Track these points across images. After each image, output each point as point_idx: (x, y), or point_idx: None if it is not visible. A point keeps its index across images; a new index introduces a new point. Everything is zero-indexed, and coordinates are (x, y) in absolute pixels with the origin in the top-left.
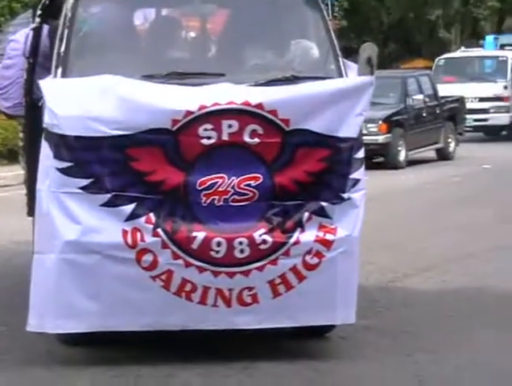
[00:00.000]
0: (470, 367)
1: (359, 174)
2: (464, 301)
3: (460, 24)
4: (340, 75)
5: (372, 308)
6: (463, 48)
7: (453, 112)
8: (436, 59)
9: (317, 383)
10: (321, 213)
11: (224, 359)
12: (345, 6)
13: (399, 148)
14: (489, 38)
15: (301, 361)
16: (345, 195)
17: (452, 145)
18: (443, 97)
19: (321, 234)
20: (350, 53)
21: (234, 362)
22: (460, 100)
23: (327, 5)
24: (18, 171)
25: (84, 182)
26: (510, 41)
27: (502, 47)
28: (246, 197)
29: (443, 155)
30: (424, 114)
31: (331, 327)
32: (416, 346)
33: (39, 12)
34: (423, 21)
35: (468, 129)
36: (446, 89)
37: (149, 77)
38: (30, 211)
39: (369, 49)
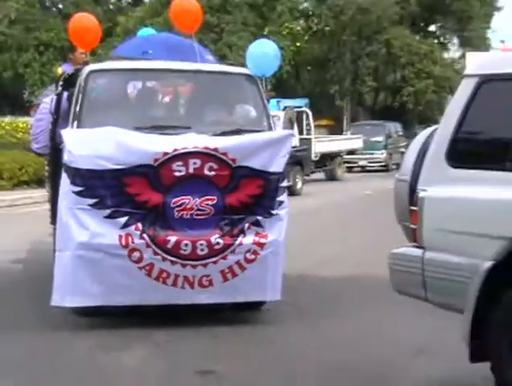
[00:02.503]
0: (351, 330)
1: (283, 197)
2: (353, 286)
3: (350, 96)
4: (271, 129)
5: (290, 289)
6: None
7: (300, 159)
8: None
9: (253, 337)
10: (257, 224)
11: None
12: (273, 82)
13: None
14: (273, 101)
15: (240, 326)
16: (274, 212)
17: (299, 183)
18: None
19: (257, 238)
20: None
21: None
22: (306, 150)
23: (261, 80)
24: (44, 193)
25: (92, 201)
26: (289, 104)
27: (284, 108)
28: (205, 212)
29: (291, 191)
30: None
31: (263, 302)
32: (318, 316)
33: (60, 83)
34: (326, 93)
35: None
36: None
37: (138, 128)
38: (53, 221)
39: (289, 112)
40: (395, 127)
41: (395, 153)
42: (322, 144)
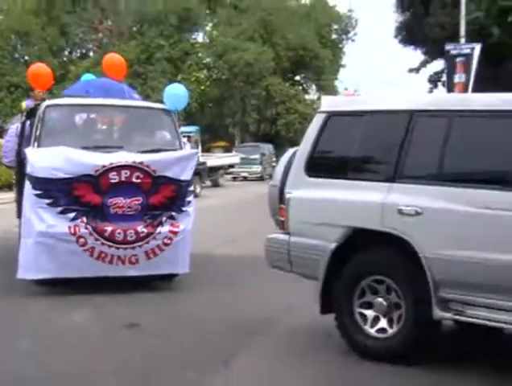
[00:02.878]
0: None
1: (191, 198)
2: (242, 262)
3: (240, 126)
4: (181, 148)
5: (196, 264)
6: None
7: (199, 170)
8: None
9: (169, 299)
10: (172, 218)
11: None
12: (184, 114)
13: None
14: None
15: (161, 292)
16: (184, 209)
17: (199, 188)
18: None
19: (171, 228)
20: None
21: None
22: (203, 163)
23: (175, 113)
24: (12, 195)
25: (48, 201)
26: (182, 130)
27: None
28: (133, 209)
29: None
30: None
31: (176, 274)
32: (216, 284)
33: (24, 114)
34: (223, 123)
35: None
36: None
37: (83, 148)
38: (19, 215)
39: (195, 135)
40: (268, 148)
41: (268, 167)
42: (210, 160)
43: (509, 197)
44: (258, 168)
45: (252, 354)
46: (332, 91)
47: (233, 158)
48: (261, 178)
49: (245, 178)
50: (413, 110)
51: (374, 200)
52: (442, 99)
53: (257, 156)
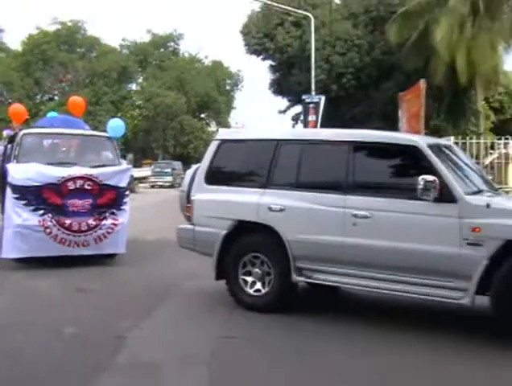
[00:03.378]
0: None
1: (127, 199)
2: (161, 245)
3: (162, 148)
4: (120, 164)
5: (130, 246)
6: None
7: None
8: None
9: (109, 270)
10: (113, 214)
11: (78, 266)
12: (122, 140)
13: None
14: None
15: (103, 264)
16: (122, 207)
17: None
18: None
19: (113, 221)
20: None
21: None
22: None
23: (115, 140)
24: None
25: (24, 202)
26: None
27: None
28: (86, 208)
29: None
30: None
31: (116, 254)
32: (141, 260)
33: (7, 140)
34: (150, 147)
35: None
36: None
37: (49, 164)
38: (2, 212)
39: (130, 156)
40: (178, 164)
41: (177, 178)
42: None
43: (336, 198)
44: (169, 178)
45: (168, 307)
46: (227, 125)
47: (146, 171)
48: (172, 186)
49: (160, 186)
50: (279, 139)
51: (252, 201)
52: (298, 132)
53: (169, 170)
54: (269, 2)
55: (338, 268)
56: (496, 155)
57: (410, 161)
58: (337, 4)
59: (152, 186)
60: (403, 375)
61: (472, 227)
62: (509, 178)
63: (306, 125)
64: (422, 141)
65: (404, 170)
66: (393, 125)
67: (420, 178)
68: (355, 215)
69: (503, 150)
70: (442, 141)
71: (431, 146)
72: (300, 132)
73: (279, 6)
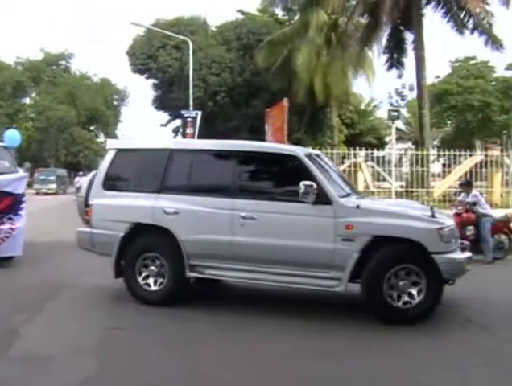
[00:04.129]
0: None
1: (24, 205)
2: (60, 245)
3: (54, 158)
4: (17, 172)
5: (27, 248)
6: None
7: None
8: None
9: (18, 264)
10: (11, 219)
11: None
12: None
13: None
14: None
15: (4, 267)
16: (19, 213)
17: None
18: None
19: (11, 226)
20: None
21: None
22: None
23: (11, 149)
24: None
25: None
26: None
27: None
28: None
29: None
30: None
31: (14, 256)
32: (40, 259)
33: None
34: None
35: None
36: None
37: None
38: None
39: (26, 165)
40: (62, 172)
41: (62, 185)
42: None
43: (225, 201)
44: (53, 186)
45: (61, 302)
46: (115, 136)
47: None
48: (56, 193)
49: (45, 193)
50: (172, 148)
51: (148, 205)
52: (190, 142)
53: (53, 177)
54: (151, 27)
55: (228, 264)
56: (348, 164)
57: (291, 168)
58: (213, 31)
59: (37, 194)
60: (275, 359)
61: (346, 225)
62: (358, 184)
63: (184, 136)
64: (300, 151)
65: (286, 176)
66: (260, 138)
67: (301, 183)
68: (243, 217)
69: (353, 160)
70: (312, 150)
71: (307, 155)
72: (192, 142)
73: (161, 31)
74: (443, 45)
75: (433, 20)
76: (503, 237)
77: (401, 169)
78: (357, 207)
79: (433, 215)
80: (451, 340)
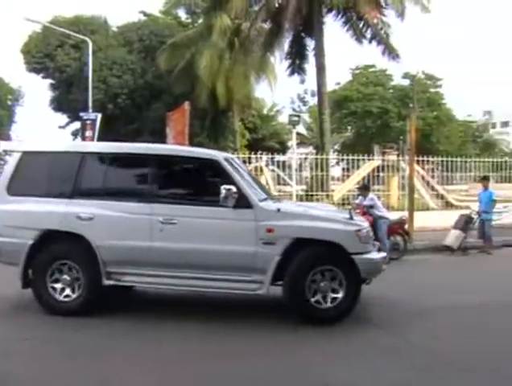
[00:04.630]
0: None
1: None
2: None
3: None
4: None
5: None
6: None
7: None
8: None
9: None
10: None
11: None
12: None
13: None
14: None
15: None
16: None
17: None
18: None
19: None
20: None
21: None
22: None
23: None
24: None
25: None
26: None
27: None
28: None
29: None
30: None
31: None
32: None
33: None
34: None
35: None
36: None
37: None
38: None
39: None
40: None
41: None
42: None
43: (143, 206)
44: None
45: None
46: (8, 138)
47: None
48: None
49: None
50: (84, 152)
51: (59, 210)
52: (105, 145)
53: None
54: (48, 25)
55: (147, 271)
56: (251, 167)
57: (211, 172)
58: (114, 31)
59: None
60: (177, 360)
61: (267, 228)
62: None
63: (84, 139)
64: (219, 155)
65: (206, 180)
66: (162, 140)
67: (222, 187)
68: (162, 222)
69: (257, 164)
70: (229, 155)
71: (226, 159)
72: (106, 145)
73: (59, 29)
74: (344, 52)
75: (335, 28)
76: (399, 239)
77: (302, 173)
78: (278, 210)
79: (351, 218)
80: (354, 339)
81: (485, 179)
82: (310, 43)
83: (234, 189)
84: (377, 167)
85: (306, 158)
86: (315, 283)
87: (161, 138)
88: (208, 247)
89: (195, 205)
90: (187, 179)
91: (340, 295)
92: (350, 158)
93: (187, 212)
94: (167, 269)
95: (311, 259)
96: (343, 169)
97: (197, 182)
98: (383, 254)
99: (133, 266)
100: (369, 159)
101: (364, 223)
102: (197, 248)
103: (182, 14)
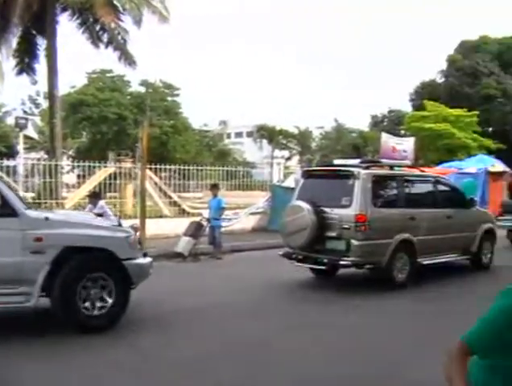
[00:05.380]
0: None
1: None
2: None
3: None
4: None
5: None
6: None
7: None
8: None
9: None
10: None
11: None
12: None
13: None
14: None
15: None
16: None
17: None
18: None
19: None
20: None
21: None
22: None
23: None
24: None
25: None
26: None
27: None
28: None
29: None
30: None
31: None
32: None
33: None
34: None
35: None
36: None
37: None
38: None
39: None
40: None
41: None
42: None
43: None
44: None
45: None
46: None
47: None
48: None
49: None
50: None
51: None
52: None
53: None
54: None
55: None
56: None
57: None
58: None
59: None
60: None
61: (35, 237)
62: None
63: None
64: None
65: None
66: None
67: None
68: None
69: None
70: None
71: None
72: None
73: None
74: (81, 55)
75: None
76: None
77: (34, 179)
78: (46, 218)
79: (120, 225)
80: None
81: (214, 187)
82: (42, 42)
83: None
84: (113, 174)
85: (36, 164)
86: (86, 290)
87: None
88: None
89: None
90: None
91: (110, 302)
92: (84, 164)
93: None
94: None
95: (82, 267)
96: (78, 176)
97: None
98: (149, 259)
99: None
100: (104, 166)
101: (130, 229)
102: None
103: None
